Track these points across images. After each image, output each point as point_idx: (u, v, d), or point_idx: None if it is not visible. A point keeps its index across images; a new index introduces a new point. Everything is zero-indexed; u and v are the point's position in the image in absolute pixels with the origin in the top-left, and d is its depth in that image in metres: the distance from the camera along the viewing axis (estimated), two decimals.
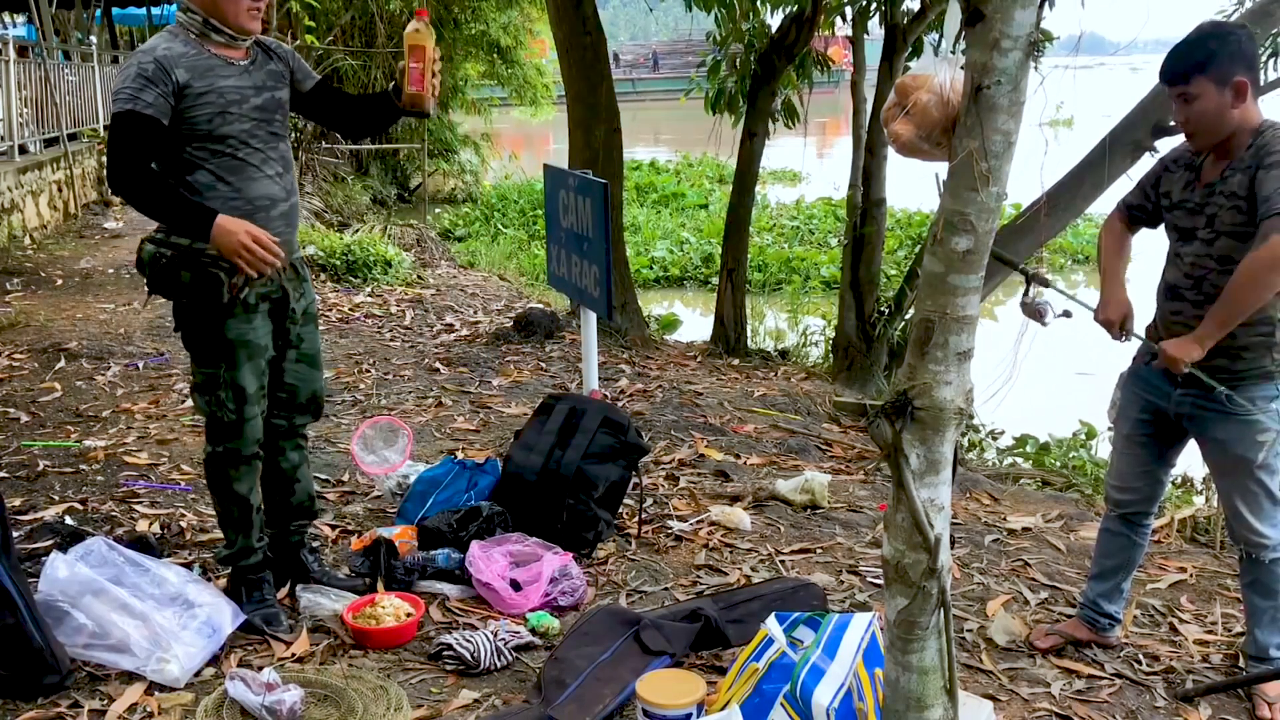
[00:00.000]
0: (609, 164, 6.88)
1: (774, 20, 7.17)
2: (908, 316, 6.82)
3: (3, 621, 2.59)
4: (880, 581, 3.01)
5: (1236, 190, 2.53)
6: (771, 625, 2.46)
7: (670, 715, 2.39)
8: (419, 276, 9.27)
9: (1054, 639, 3.00)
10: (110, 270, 8.58)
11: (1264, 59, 5.46)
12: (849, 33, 7.41)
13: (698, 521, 3.84)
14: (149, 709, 2.60)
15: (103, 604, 2.77)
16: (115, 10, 18.98)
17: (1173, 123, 2.86)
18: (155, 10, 18.70)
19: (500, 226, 15.35)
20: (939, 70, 1.91)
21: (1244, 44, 2.55)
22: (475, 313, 8.00)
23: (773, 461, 4.67)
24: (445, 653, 2.82)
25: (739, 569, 3.46)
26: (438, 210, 16.78)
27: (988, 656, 2.96)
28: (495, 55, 17.48)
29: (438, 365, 6.14)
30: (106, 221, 10.90)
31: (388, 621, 2.95)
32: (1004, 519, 4.07)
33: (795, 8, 6.71)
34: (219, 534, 3.17)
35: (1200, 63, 2.53)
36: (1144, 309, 2.81)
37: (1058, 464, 5.59)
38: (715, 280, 8.83)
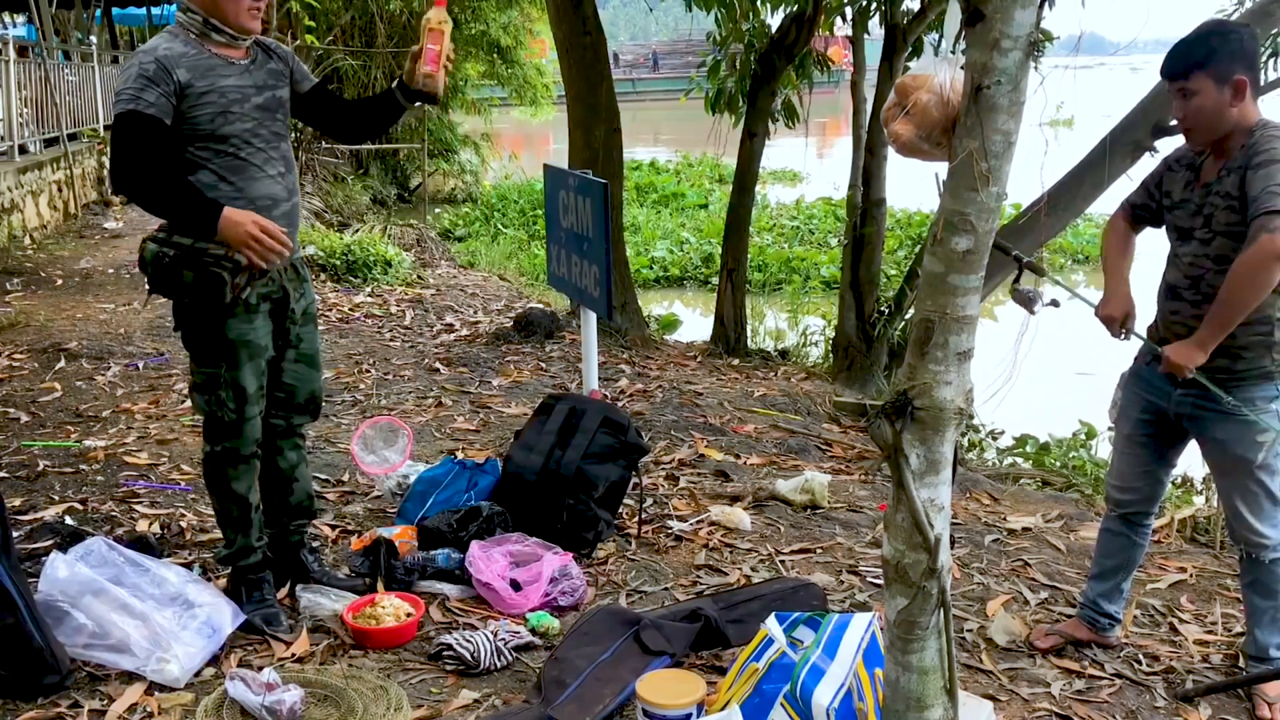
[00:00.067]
0: (609, 164, 6.88)
1: (774, 20, 7.17)
2: (908, 316, 6.82)
3: (3, 621, 2.59)
4: (880, 581, 3.01)
5: (1230, 190, 2.54)
6: (771, 625, 2.46)
7: (670, 715, 2.39)
8: (419, 276, 9.28)
9: (1054, 639, 3.00)
10: (110, 270, 8.58)
11: (1264, 59, 5.46)
12: (849, 33, 7.40)
13: (698, 521, 3.84)
14: (149, 709, 2.60)
15: (103, 604, 2.77)
16: (115, 10, 18.99)
17: (1173, 122, 2.86)
18: (155, 10, 18.70)
19: (500, 226, 15.35)
20: (939, 70, 1.91)
21: (1245, 43, 2.55)
22: (475, 313, 8.00)
23: (773, 461, 4.67)
24: (445, 653, 2.82)
25: (739, 569, 3.46)
26: (438, 210, 16.78)
27: (988, 656, 2.96)
28: (495, 55, 17.49)
29: (438, 365, 6.14)
30: (106, 221, 10.90)
31: (388, 621, 2.95)
32: (1004, 519, 4.07)
33: (795, 8, 6.71)
34: (219, 534, 3.17)
35: (1201, 59, 2.53)
36: (1145, 310, 2.81)
37: (1058, 464, 5.59)
38: (715, 280, 8.83)
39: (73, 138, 11.72)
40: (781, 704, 2.29)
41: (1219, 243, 2.58)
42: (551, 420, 3.68)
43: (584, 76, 6.98)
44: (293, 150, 3.00)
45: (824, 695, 2.25)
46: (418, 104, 3.03)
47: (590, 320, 4.16)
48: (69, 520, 3.69)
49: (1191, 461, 3.43)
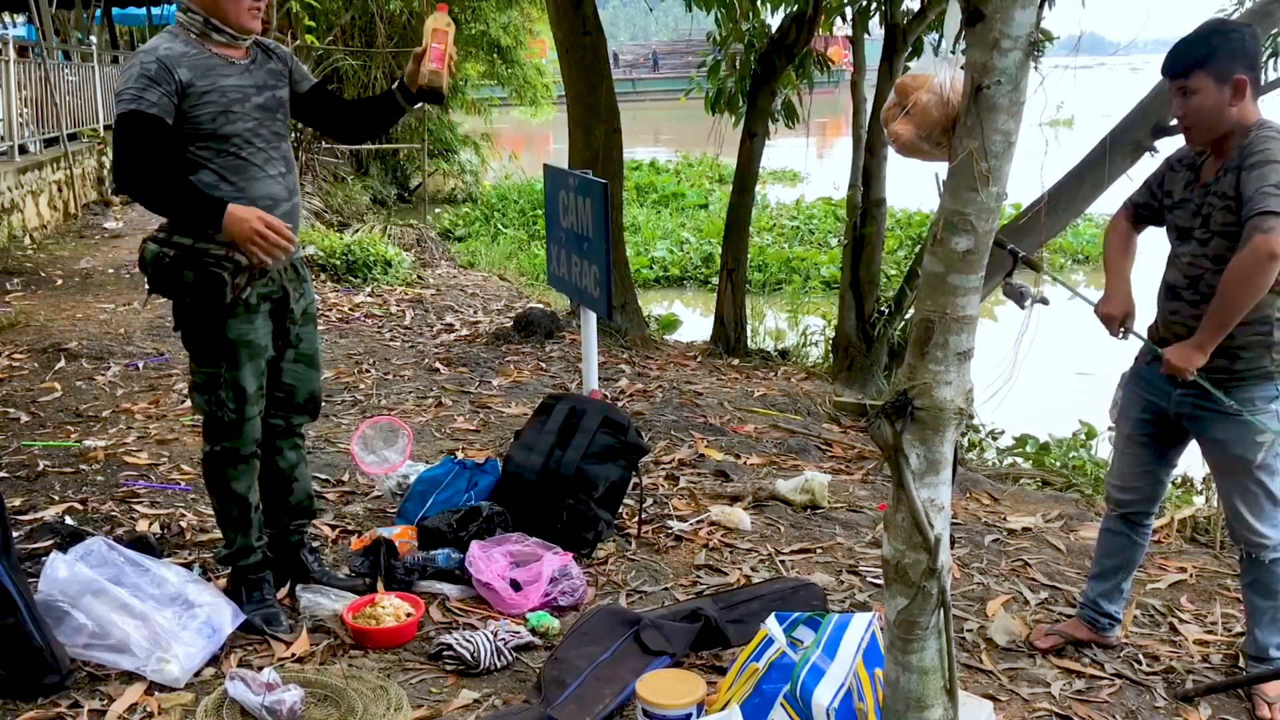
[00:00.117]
0: (609, 164, 6.88)
1: (774, 20, 7.17)
2: (908, 316, 6.82)
3: (3, 621, 2.59)
4: (880, 581, 3.01)
5: (1227, 190, 2.54)
6: (771, 625, 2.46)
7: (670, 715, 2.39)
8: (419, 276, 9.28)
9: (1054, 639, 3.00)
10: (110, 270, 8.58)
11: (1264, 59, 5.46)
12: (849, 33, 7.41)
13: (698, 521, 3.84)
14: (149, 709, 2.60)
15: (103, 604, 2.77)
16: (115, 10, 18.99)
17: (1172, 122, 2.86)
18: (155, 10, 18.70)
19: (500, 226, 15.35)
20: (939, 70, 1.91)
21: (1247, 42, 2.56)
22: (475, 313, 8.00)
23: (773, 461, 4.67)
24: (445, 653, 2.82)
25: (739, 569, 3.46)
26: (438, 210, 16.78)
27: (988, 656, 2.96)
28: (495, 55, 17.48)
29: (438, 365, 6.14)
30: (106, 221, 10.90)
31: (388, 621, 2.95)
32: (1004, 519, 4.07)
33: (795, 8, 6.71)
34: (219, 534, 3.17)
35: (1202, 58, 2.54)
36: (1145, 310, 2.81)
37: (1058, 464, 5.59)
38: (715, 280, 8.83)
39: (73, 138, 11.72)
40: (781, 704, 2.29)
41: (1217, 243, 2.58)
42: (551, 420, 3.68)
43: (584, 76, 6.98)
44: (293, 150, 3.01)
45: (824, 695, 2.25)
46: (419, 105, 3.03)
47: (590, 320, 4.16)
48: (69, 520, 3.69)
49: (1191, 461, 3.43)
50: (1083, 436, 5.88)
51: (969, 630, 3.10)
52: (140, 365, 5.84)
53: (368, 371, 5.97)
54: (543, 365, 6.18)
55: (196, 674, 2.74)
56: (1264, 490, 2.66)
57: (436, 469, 3.86)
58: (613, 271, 3.95)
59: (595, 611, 2.98)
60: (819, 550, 3.65)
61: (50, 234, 10.13)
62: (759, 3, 6.99)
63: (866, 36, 7.28)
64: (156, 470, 4.27)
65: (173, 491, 4.03)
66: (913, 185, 7.23)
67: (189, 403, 4.21)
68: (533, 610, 3.07)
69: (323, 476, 4.22)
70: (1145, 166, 4.87)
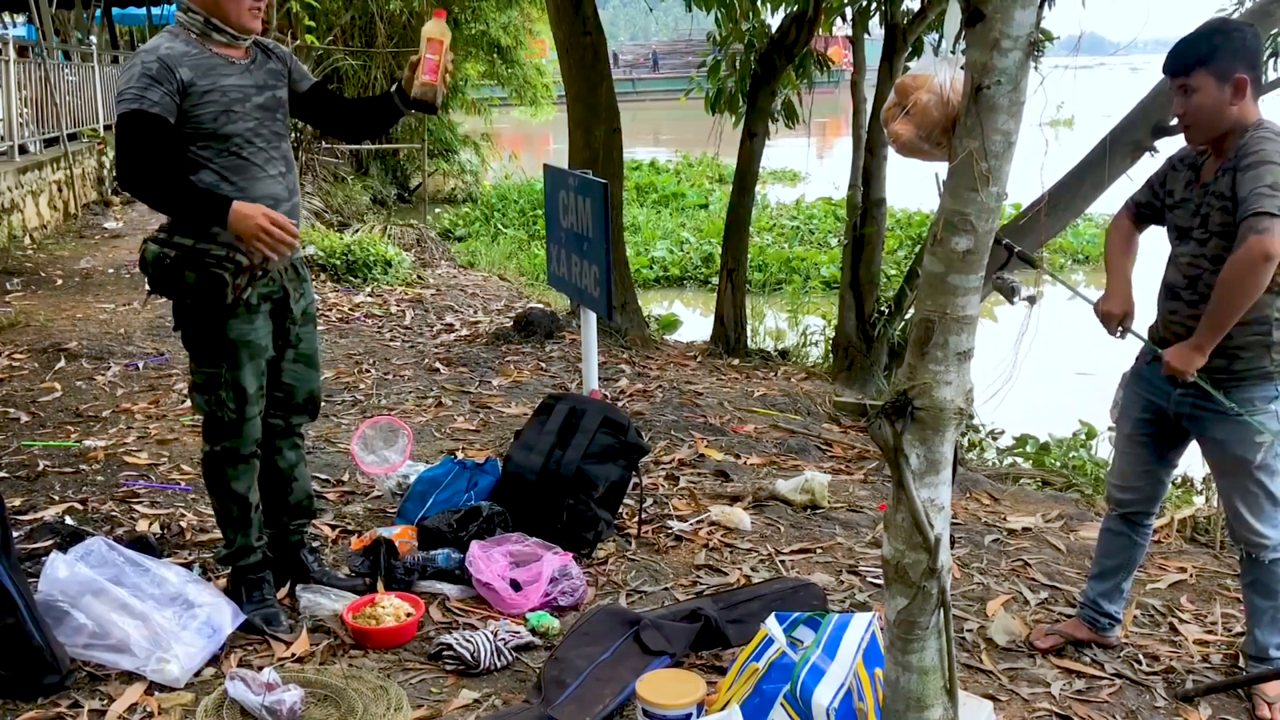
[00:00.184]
0: (609, 164, 6.88)
1: (774, 20, 7.17)
2: (908, 316, 6.82)
3: (3, 621, 2.59)
4: (880, 581, 3.01)
5: (1224, 190, 2.54)
6: (771, 625, 2.46)
7: (670, 715, 2.39)
8: (419, 276, 9.28)
9: (1054, 639, 3.00)
10: (110, 270, 8.58)
11: (1265, 59, 5.46)
12: (849, 33, 7.41)
13: (698, 521, 3.84)
14: (149, 709, 2.60)
15: (103, 604, 2.77)
16: (115, 10, 19.00)
17: (1173, 122, 2.86)
18: (155, 10, 18.71)
19: (500, 226, 15.35)
20: (939, 70, 1.91)
21: (1249, 42, 2.56)
22: (475, 313, 8.00)
23: (773, 461, 4.67)
24: (445, 653, 2.82)
25: (739, 569, 3.46)
26: (438, 210, 16.78)
27: (988, 656, 2.96)
28: (495, 55, 17.48)
29: (438, 365, 6.14)
30: (106, 221, 10.90)
31: (388, 621, 2.95)
32: (1004, 519, 4.07)
33: (795, 8, 6.71)
34: (219, 534, 3.17)
35: (1203, 57, 2.54)
36: (1146, 310, 2.81)
37: (1058, 464, 5.59)
38: (715, 280, 8.83)
39: (73, 138, 11.72)
40: (781, 704, 2.29)
41: (1215, 243, 2.58)
42: (551, 420, 3.68)
43: (584, 76, 6.98)
44: (292, 150, 3.01)
45: (824, 695, 2.25)
46: (414, 112, 3.03)
47: (590, 320, 4.16)
48: (69, 520, 3.69)
49: (1191, 461, 3.43)
50: (1083, 436, 5.88)
51: (969, 630, 3.10)
52: (140, 365, 5.84)
53: (368, 371, 5.97)
54: (543, 365, 6.18)
55: (196, 674, 2.74)
56: (1264, 490, 2.66)
57: (436, 469, 3.86)
58: (613, 271, 3.95)
59: (595, 611, 2.98)
60: (819, 550, 3.65)
61: (50, 234, 10.13)
62: (759, 3, 6.99)
63: (866, 36, 7.28)
64: (156, 470, 4.27)
65: (173, 491, 4.03)
66: (913, 185, 7.23)
67: (189, 403, 4.21)
68: (533, 610, 3.07)
69: (323, 476, 4.22)
70: (1145, 166, 4.87)
